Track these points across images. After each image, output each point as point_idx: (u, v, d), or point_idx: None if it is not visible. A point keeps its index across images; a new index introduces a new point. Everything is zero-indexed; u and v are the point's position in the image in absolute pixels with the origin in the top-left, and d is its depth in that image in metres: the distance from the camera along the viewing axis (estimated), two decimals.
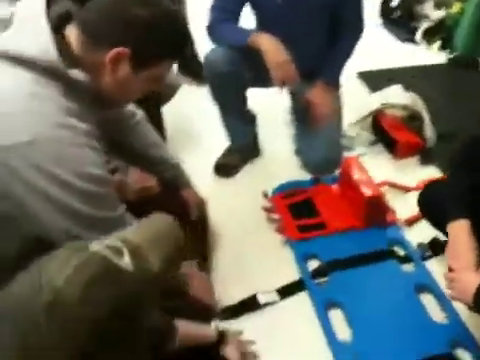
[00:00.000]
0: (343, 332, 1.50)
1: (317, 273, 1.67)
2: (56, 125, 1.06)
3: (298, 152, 2.10)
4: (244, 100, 2.01)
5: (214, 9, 1.86)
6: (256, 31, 1.82)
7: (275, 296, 1.63)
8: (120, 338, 0.71)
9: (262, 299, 1.62)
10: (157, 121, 2.02)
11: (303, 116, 2.05)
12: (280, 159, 2.19)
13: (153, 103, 2.01)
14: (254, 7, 1.89)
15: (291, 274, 1.69)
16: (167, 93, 2.12)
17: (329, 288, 1.62)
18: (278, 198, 1.92)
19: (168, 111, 2.16)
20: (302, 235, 1.78)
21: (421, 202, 1.65)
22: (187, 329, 1.28)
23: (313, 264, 1.72)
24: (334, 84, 2.03)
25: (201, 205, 1.77)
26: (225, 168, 2.14)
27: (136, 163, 1.65)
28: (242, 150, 2.16)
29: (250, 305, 1.61)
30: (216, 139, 2.23)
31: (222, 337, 1.34)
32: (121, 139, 1.56)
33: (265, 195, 1.91)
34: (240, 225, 1.91)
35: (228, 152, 2.18)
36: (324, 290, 1.62)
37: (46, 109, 1.05)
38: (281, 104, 2.29)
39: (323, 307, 1.56)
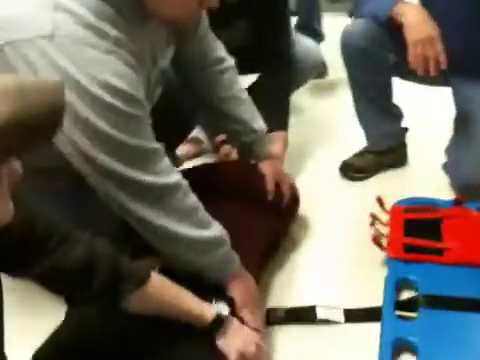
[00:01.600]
0: None
1: (405, 305, 1.25)
2: (81, 23, 0.95)
3: (446, 166, 1.66)
4: (387, 89, 1.66)
5: None
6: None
7: (339, 315, 1.27)
8: None
9: (322, 313, 1.27)
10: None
11: (463, 122, 1.61)
12: (424, 172, 1.76)
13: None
14: None
15: (375, 299, 1.30)
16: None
17: (410, 327, 1.18)
18: (398, 209, 1.52)
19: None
20: (405, 255, 1.36)
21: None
22: (177, 294, 1.02)
23: (405, 295, 1.30)
24: None
25: (283, 183, 1.47)
26: (352, 169, 1.80)
27: (212, 117, 1.47)
28: (381, 153, 1.80)
29: (304, 315, 1.28)
30: (353, 135, 1.89)
31: (219, 323, 1.04)
32: (201, 85, 1.38)
33: (380, 202, 1.52)
34: (341, 232, 1.58)
35: (362, 153, 1.83)
36: (402, 327, 1.19)
37: (74, 5, 0.95)
38: (439, 103, 1.88)
39: (391, 347, 1.14)
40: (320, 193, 1.74)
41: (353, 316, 1.27)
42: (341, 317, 1.27)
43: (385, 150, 1.79)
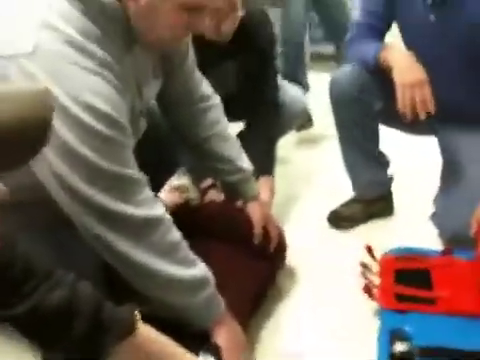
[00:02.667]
0: None
1: (401, 357, 1.19)
2: (67, 41, 0.92)
3: (434, 217, 1.63)
4: (374, 135, 1.67)
5: (356, 25, 1.62)
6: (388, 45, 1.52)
7: None
8: None
9: None
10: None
11: (450, 172, 1.60)
12: (411, 222, 1.74)
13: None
14: (401, 24, 1.59)
15: (366, 353, 1.24)
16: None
17: None
18: (388, 259, 1.48)
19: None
20: (398, 305, 1.31)
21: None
22: (163, 348, 0.90)
23: (399, 345, 1.24)
24: None
25: (270, 227, 1.43)
26: (340, 219, 1.78)
27: (197, 157, 1.43)
28: (368, 202, 1.78)
29: None
30: (339, 185, 1.89)
31: None
32: (186, 123, 1.36)
33: (369, 250, 1.49)
34: (330, 281, 1.53)
35: (350, 202, 1.81)
36: None
37: (60, 24, 0.92)
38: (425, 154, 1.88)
39: None
40: (308, 242, 1.71)
41: None
42: None
43: (372, 199, 1.77)
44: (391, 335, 1.25)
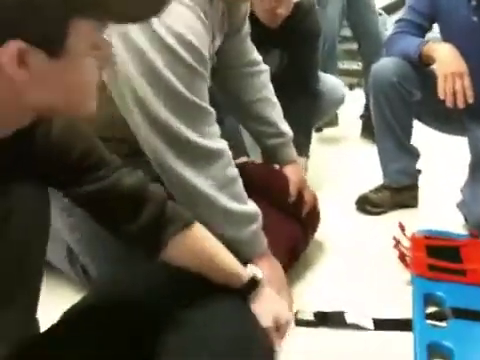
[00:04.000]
0: None
1: (435, 316, 1.28)
2: None
3: (461, 205, 1.73)
4: (409, 126, 1.77)
5: (399, 21, 1.74)
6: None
7: (368, 323, 1.28)
8: None
9: (351, 318, 1.28)
10: None
11: (478, 163, 1.71)
12: (439, 212, 1.83)
13: None
14: (443, 24, 1.71)
15: (400, 313, 1.32)
16: None
17: (443, 333, 1.21)
18: (419, 237, 1.58)
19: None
20: (431, 274, 1.40)
21: None
22: (216, 246, 0.98)
23: (433, 309, 1.32)
24: None
25: (305, 190, 1.51)
26: (368, 204, 1.86)
27: (242, 119, 1.53)
28: (396, 190, 1.87)
29: (333, 319, 1.28)
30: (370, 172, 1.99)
31: (255, 284, 0.99)
32: (235, 85, 1.45)
33: (401, 227, 1.58)
34: (361, 255, 1.61)
35: (379, 188, 1.90)
36: (435, 333, 1.21)
37: None
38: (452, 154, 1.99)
39: (426, 352, 1.16)
40: (338, 222, 1.79)
41: (382, 325, 1.28)
42: (370, 324, 1.28)
43: (399, 187, 1.87)
44: (424, 299, 1.34)
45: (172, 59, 1.04)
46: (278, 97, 1.88)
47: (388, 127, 1.75)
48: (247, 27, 1.44)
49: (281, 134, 1.51)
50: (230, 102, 1.51)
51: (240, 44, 1.44)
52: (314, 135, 2.45)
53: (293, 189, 1.48)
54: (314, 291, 1.42)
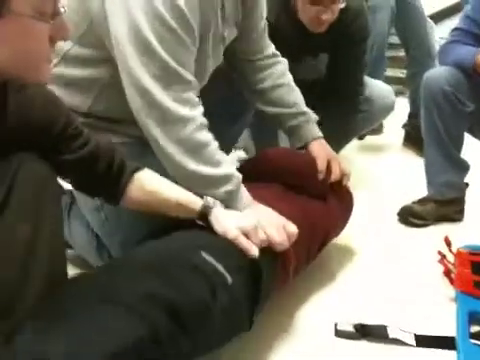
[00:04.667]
0: None
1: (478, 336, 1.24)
2: None
3: None
4: (460, 139, 1.73)
5: (455, 31, 1.70)
6: None
7: (410, 338, 1.25)
8: None
9: (393, 333, 1.25)
10: None
11: None
12: None
13: None
14: None
15: (443, 331, 1.28)
16: None
17: None
18: (464, 253, 1.52)
19: None
20: (476, 292, 1.36)
21: None
22: (168, 183, 1.12)
23: (475, 328, 1.28)
24: None
25: (333, 162, 1.50)
26: (411, 215, 1.82)
27: (262, 104, 1.55)
28: (441, 203, 1.82)
29: (375, 332, 1.26)
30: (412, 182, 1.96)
31: (208, 210, 1.11)
32: (256, 73, 1.51)
33: (447, 242, 1.53)
34: (402, 269, 1.57)
35: (424, 200, 1.86)
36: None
37: None
38: None
39: None
40: (379, 233, 1.76)
41: (425, 341, 1.25)
42: (412, 340, 1.25)
43: (445, 200, 1.82)
44: (469, 317, 1.30)
45: (155, 20, 1.10)
46: (323, 102, 1.88)
47: (437, 137, 1.71)
48: (264, 21, 1.50)
49: (302, 113, 1.54)
50: (250, 92, 1.57)
51: (260, 37, 1.51)
52: (356, 142, 2.44)
53: (321, 164, 1.48)
54: (355, 303, 1.40)
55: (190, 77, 1.20)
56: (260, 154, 1.66)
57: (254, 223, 1.11)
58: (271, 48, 1.56)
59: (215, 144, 1.24)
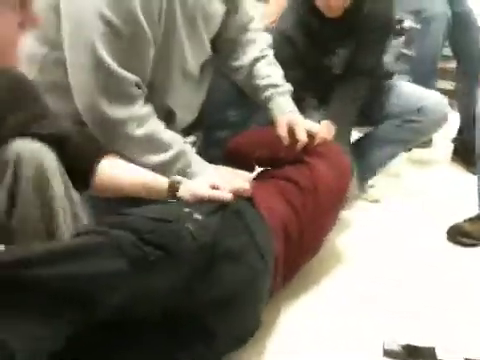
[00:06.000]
0: None
1: None
2: None
3: None
4: None
5: None
6: None
7: None
8: None
9: (441, 355, 1.26)
10: None
11: None
12: None
13: None
14: None
15: None
16: None
17: None
18: None
19: None
20: None
21: None
22: (132, 167, 1.20)
23: None
24: None
25: (297, 128, 1.52)
26: (461, 234, 1.80)
27: (241, 79, 1.62)
28: None
29: (423, 354, 1.26)
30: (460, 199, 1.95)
31: (176, 185, 1.17)
32: (236, 49, 1.59)
33: None
34: (453, 284, 1.57)
35: (475, 218, 1.83)
36: None
37: None
38: None
39: None
40: (428, 251, 1.75)
41: None
42: None
43: None
44: None
45: (99, 19, 1.19)
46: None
47: None
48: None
49: (275, 85, 1.58)
50: (230, 68, 1.64)
51: (242, 17, 1.59)
52: (404, 155, 2.42)
53: (281, 131, 1.53)
54: (402, 322, 1.40)
55: (128, 74, 1.27)
56: (231, 141, 1.67)
57: (218, 178, 1.22)
58: (254, 22, 1.63)
59: (160, 128, 1.35)
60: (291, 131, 1.53)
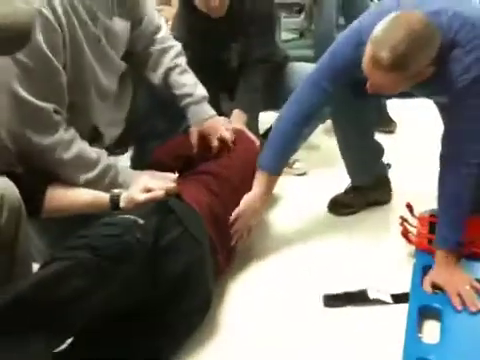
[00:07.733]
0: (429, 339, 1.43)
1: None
2: None
3: None
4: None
5: None
6: None
7: (387, 297, 1.56)
8: None
9: (372, 294, 1.56)
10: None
11: None
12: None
13: None
14: None
15: (403, 284, 1.64)
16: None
17: (435, 298, 1.55)
18: (426, 216, 1.85)
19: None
20: (429, 247, 1.72)
21: None
22: (74, 191, 1.43)
23: None
24: None
25: (211, 136, 1.77)
26: (338, 205, 2.07)
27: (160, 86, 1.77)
28: (363, 190, 2.05)
29: (358, 298, 1.57)
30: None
31: (117, 198, 1.43)
32: (150, 61, 1.72)
33: (409, 208, 1.85)
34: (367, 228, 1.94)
35: (349, 190, 2.09)
36: (428, 297, 1.55)
37: None
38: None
39: (417, 311, 1.49)
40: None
41: (400, 298, 1.57)
42: (389, 298, 1.55)
43: (367, 187, 2.06)
44: (423, 270, 1.66)
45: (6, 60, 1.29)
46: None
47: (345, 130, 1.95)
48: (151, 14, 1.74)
49: (190, 95, 1.76)
50: (151, 78, 1.78)
51: (148, 27, 1.73)
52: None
53: (193, 138, 1.78)
54: (337, 274, 1.73)
55: (47, 105, 1.40)
56: (154, 152, 1.88)
57: (149, 180, 1.47)
58: (162, 31, 1.77)
59: (85, 147, 1.51)
60: (207, 138, 1.79)
